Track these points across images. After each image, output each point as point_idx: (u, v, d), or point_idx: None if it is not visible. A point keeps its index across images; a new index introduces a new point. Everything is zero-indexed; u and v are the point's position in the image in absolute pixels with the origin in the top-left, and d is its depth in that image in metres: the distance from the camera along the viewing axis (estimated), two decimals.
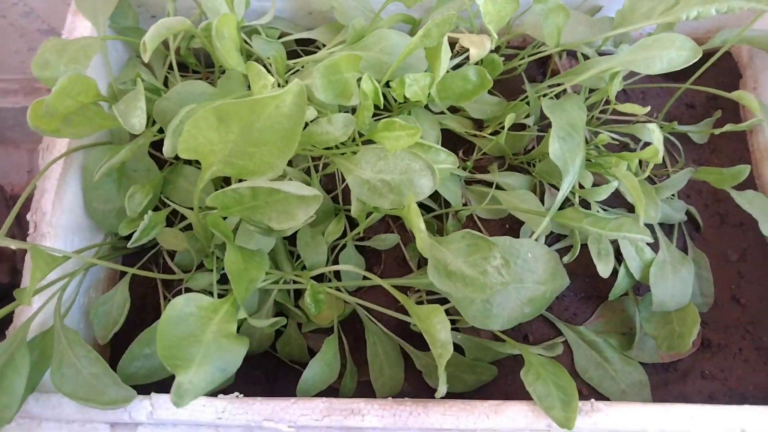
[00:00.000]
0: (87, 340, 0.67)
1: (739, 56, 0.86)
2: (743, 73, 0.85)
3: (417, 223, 0.47)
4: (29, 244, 0.50)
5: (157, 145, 0.75)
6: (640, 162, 0.78)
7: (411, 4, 0.65)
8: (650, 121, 0.75)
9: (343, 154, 0.57)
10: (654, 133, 0.53)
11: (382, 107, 0.60)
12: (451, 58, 0.70)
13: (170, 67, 0.72)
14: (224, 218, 0.55)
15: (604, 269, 0.66)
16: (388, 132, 0.52)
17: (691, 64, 0.59)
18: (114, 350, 0.71)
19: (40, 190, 0.63)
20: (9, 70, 1.06)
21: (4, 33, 0.95)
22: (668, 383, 0.73)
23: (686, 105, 0.85)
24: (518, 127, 0.77)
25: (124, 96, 0.53)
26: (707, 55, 0.71)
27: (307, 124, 0.57)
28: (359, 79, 0.61)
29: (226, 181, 0.66)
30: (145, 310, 0.74)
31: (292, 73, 0.71)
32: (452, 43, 0.74)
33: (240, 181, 0.48)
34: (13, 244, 0.51)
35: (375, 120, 0.59)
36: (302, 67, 0.69)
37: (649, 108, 0.61)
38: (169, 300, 0.72)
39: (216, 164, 0.46)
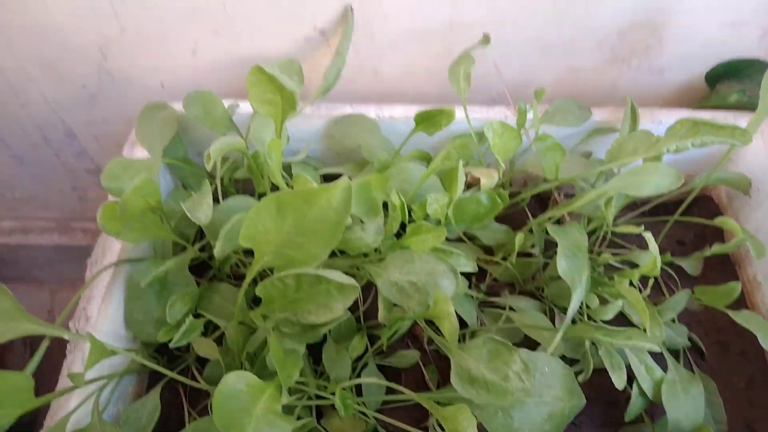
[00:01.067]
0: None
1: (719, 198, 0.96)
2: (725, 213, 0.94)
3: (446, 308, 0.51)
4: (86, 333, 0.53)
5: (194, 269, 0.82)
6: (640, 290, 0.84)
7: (432, 131, 0.75)
8: (644, 251, 0.82)
9: (372, 261, 0.63)
10: (650, 241, 0.60)
11: (406, 223, 0.67)
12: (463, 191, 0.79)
13: (214, 197, 0.81)
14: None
15: (618, 381, 0.69)
16: (416, 236, 0.58)
17: (678, 198, 0.67)
18: None
19: (86, 298, 0.67)
20: (50, 208, 1.14)
21: (55, 172, 1.05)
22: None
23: (677, 242, 0.93)
24: (525, 256, 0.84)
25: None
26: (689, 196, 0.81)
27: None
28: (384, 203, 0.69)
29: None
30: (168, 427, 0.74)
31: None
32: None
33: None
34: (68, 335, 0.55)
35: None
36: None
37: (643, 227, 0.68)
38: (195, 418, 0.74)
39: (268, 254, 0.51)
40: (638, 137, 0.75)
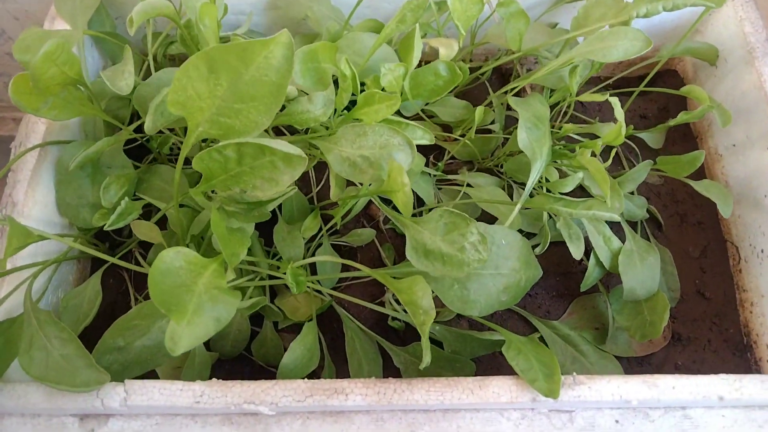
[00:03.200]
0: None
1: (684, 71, 0.93)
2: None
3: (400, 179, 0.48)
4: (6, 216, 0.49)
5: (132, 152, 0.76)
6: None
7: None
8: (608, 124, 0.80)
9: (321, 136, 0.59)
10: (616, 106, 0.57)
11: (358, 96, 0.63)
12: (420, 63, 0.74)
13: (147, 75, 0.74)
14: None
15: (576, 251, 0.68)
16: (368, 107, 0.54)
17: (642, 70, 0.63)
18: None
19: (12, 182, 0.62)
20: None
21: None
22: None
23: (640, 116, 0.90)
24: (484, 132, 0.81)
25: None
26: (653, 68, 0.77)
27: (285, 106, 0.59)
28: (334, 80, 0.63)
29: None
30: (114, 316, 0.72)
31: None
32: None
33: None
34: None
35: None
36: None
37: (608, 94, 0.65)
38: (140, 301, 0.71)
39: (202, 124, 0.46)
40: (606, 2, 0.70)
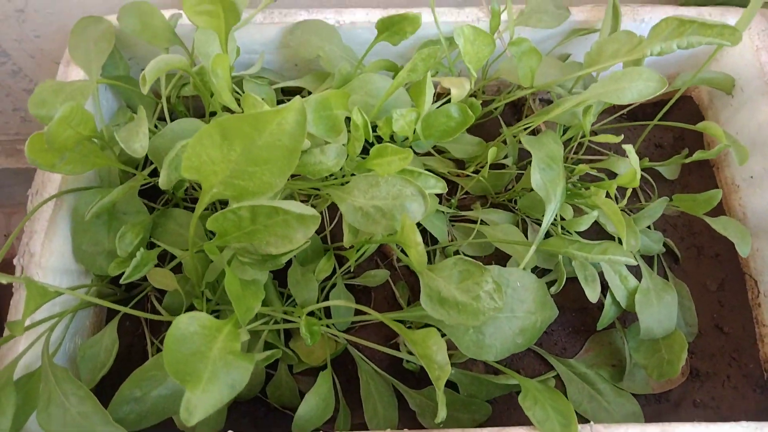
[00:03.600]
0: None
1: (700, 99, 0.92)
2: (705, 115, 0.91)
3: (414, 237, 0.48)
4: (23, 278, 0.49)
5: (147, 192, 0.77)
6: (616, 198, 0.81)
7: (396, 40, 0.68)
8: (623, 158, 0.79)
9: (334, 185, 0.59)
10: (631, 153, 0.56)
11: (371, 141, 0.63)
12: (433, 101, 0.74)
13: (161, 116, 0.74)
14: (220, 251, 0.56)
15: (591, 294, 0.68)
16: (380, 158, 0.54)
17: (657, 101, 0.63)
18: (101, 399, 0.69)
19: (28, 233, 0.63)
20: None
21: None
22: (661, 413, 0.73)
23: (655, 145, 0.90)
24: (498, 167, 0.81)
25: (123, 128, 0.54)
26: (669, 99, 0.76)
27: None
28: (347, 119, 0.63)
29: None
30: (131, 359, 0.72)
31: None
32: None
33: None
34: (4, 279, 0.51)
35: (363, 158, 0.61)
36: None
37: (622, 136, 0.64)
38: (158, 348, 0.71)
39: (216, 186, 0.46)
40: (620, 38, 0.69)
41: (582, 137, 0.78)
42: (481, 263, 0.56)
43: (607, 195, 0.66)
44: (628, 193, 0.66)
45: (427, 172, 0.58)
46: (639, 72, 0.62)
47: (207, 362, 0.43)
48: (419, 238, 0.48)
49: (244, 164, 0.45)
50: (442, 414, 0.53)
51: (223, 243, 0.51)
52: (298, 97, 0.43)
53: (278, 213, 0.47)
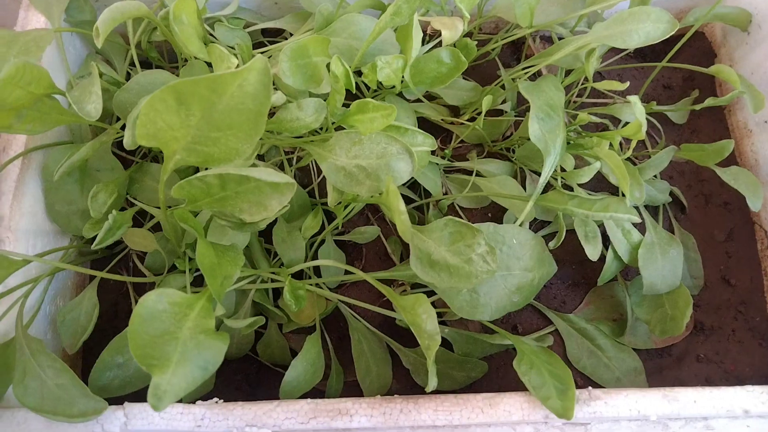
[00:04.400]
0: (55, 350, 0.64)
1: (713, 35, 0.85)
2: (718, 52, 0.84)
3: (397, 205, 0.44)
4: None
5: (122, 146, 0.73)
6: (621, 145, 0.77)
7: None
8: (628, 102, 0.74)
9: (314, 141, 0.54)
10: (636, 106, 0.51)
11: (354, 92, 0.58)
12: (423, 42, 0.68)
13: (132, 63, 0.69)
14: (195, 214, 0.53)
15: (592, 252, 0.64)
16: (361, 114, 0.49)
17: (667, 37, 0.57)
18: (85, 362, 0.68)
19: None
20: None
21: None
22: (663, 369, 0.71)
23: (663, 86, 0.84)
24: (495, 113, 0.76)
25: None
26: (680, 35, 0.70)
27: (274, 112, 0.55)
28: (329, 65, 0.58)
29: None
30: (116, 317, 0.70)
31: None
32: (423, 29, 0.72)
33: (207, 169, 0.45)
34: None
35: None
36: (270, 57, 0.67)
37: (628, 83, 0.59)
38: None
39: (179, 152, 0.43)
40: None
41: (585, 81, 0.73)
42: (473, 224, 0.53)
43: (611, 146, 0.62)
44: (633, 144, 0.61)
45: (414, 128, 0.53)
46: (647, 12, 0.57)
47: (177, 344, 0.41)
48: (403, 206, 0.44)
49: (206, 130, 0.41)
50: (432, 384, 0.50)
51: (194, 208, 0.48)
52: (259, 55, 0.38)
53: (249, 180, 0.44)
